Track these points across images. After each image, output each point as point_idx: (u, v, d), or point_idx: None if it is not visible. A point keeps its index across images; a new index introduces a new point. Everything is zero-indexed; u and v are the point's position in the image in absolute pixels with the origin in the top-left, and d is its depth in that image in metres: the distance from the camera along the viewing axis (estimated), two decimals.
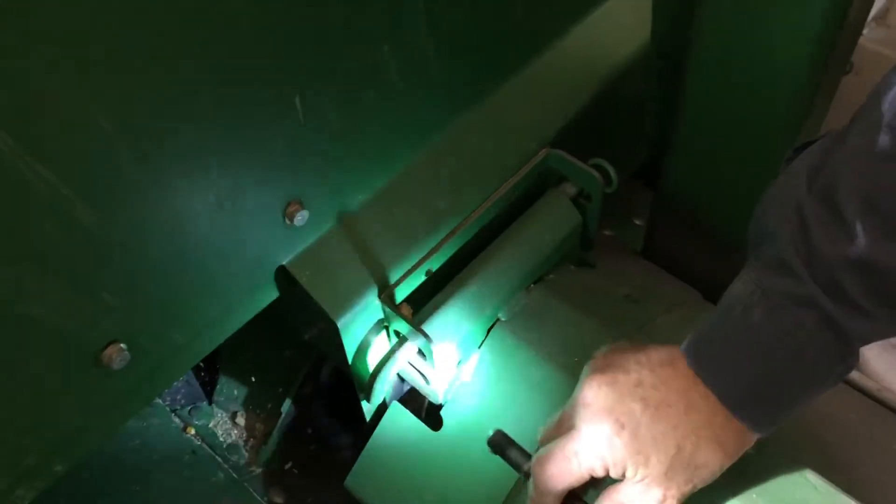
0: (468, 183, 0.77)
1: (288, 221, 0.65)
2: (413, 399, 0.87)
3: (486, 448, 0.77)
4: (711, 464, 0.56)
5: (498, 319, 0.80)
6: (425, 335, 0.70)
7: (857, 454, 0.77)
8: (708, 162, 0.85)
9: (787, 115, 0.75)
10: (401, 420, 0.82)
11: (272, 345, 0.98)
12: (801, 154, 0.56)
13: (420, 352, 0.74)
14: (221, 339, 0.67)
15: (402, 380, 0.81)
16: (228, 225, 0.61)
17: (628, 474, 0.56)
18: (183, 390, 1.00)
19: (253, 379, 1.00)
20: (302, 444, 0.98)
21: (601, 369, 0.59)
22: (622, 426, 0.55)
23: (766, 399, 0.54)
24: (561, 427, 0.61)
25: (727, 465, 0.57)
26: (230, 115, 0.55)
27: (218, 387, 1.00)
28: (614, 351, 0.61)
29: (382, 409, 0.83)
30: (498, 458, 0.76)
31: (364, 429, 0.84)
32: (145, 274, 0.57)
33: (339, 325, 0.70)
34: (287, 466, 0.97)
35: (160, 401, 1.00)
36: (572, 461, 0.58)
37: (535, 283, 0.83)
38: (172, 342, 0.62)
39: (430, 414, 0.85)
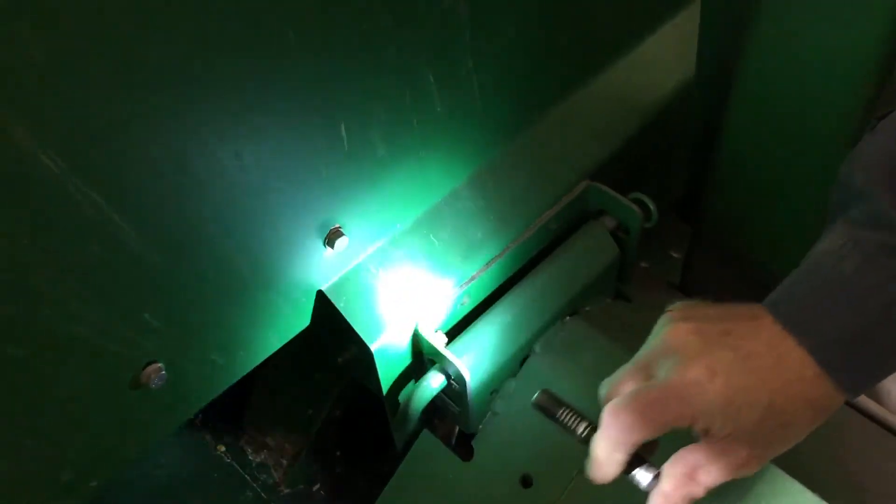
0: (507, 213, 0.77)
1: (328, 247, 0.65)
2: (444, 427, 0.87)
3: (517, 480, 0.76)
4: (799, 423, 0.53)
5: (533, 350, 0.80)
6: (459, 364, 0.70)
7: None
8: (748, 198, 0.84)
9: (830, 152, 0.74)
10: (431, 448, 0.82)
11: (304, 367, 0.98)
12: (892, 114, 0.56)
13: (453, 380, 0.73)
14: (259, 361, 0.68)
15: (434, 407, 0.81)
16: (270, 250, 0.61)
17: (714, 429, 0.52)
18: (215, 409, 1.01)
19: (284, 400, 1.00)
20: (331, 466, 0.98)
21: (683, 319, 0.55)
22: (714, 373, 0.52)
23: (857, 354, 0.51)
24: (635, 378, 0.56)
25: (813, 427, 0.54)
26: (275, 143, 0.56)
27: (249, 406, 1.01)
28: (691, 305, 0.58)
29: (413, 436, 0.83)
30: (528, 492, 0.75)
31: (394, 455, 0.84)
32: (187, 297, 0.58)
33: (374, 351, 0.70)
34: (315, 488, 0.97)
35: (192, 418, 1.00)
36: (655, 409, 0.53)
37: (570, 315, 0.83)
38: (211, 363, 0.63)
39: (461, 443, 0.84)
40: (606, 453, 0.55)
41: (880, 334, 0.50)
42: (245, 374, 0.67)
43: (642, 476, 0.57)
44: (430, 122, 0.67)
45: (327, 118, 0.58)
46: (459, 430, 0.86)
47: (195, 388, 0.64)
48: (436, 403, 0.79)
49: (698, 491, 0.54)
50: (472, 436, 0.80)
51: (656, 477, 0.56)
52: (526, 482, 0.76)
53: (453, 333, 0.75)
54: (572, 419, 0.61)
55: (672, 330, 0.55)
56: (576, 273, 0.81)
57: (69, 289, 0.50)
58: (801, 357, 0.51)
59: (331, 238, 0.65)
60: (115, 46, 0.44)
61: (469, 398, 0.74)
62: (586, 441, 0.58)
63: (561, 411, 0.61)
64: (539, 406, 0.63)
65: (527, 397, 0.78)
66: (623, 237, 0.83)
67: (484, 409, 0.79)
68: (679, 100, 0.89)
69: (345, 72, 0.57)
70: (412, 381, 0.78)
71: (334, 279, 0.69)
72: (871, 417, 0.83)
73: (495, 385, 0.78)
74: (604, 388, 0.58)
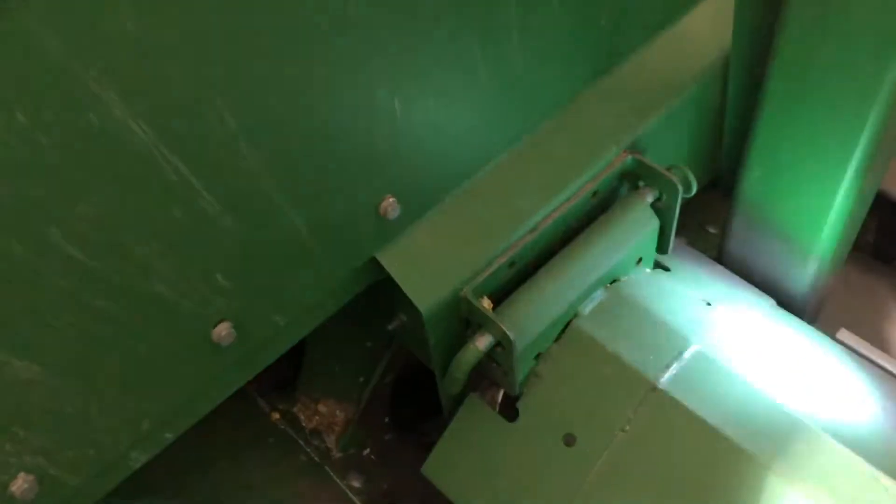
0: (550, 183, 0.81)
1: (381, 215, 0.69)
2: (489, 395, 0.90)
3: (560, 439, 0.80)
4: None
5: (576, 315, 0.83)
6: (504, 328, 0.73)
7: None
8: (784, 170, 0.86)
9: (868, 123, 0.76)
10: (477, 410, 0.85)
11: (355, 336, 1.02)
12: None
13: (499, 344, 0.77)
14: (316, 324, 0.72)
15: (480, 371, 0.84)
16: (328, 219, 0.66)
17: None
18: (269, 378, 1.06)
19: (336, 368, 1.05)
20: (380, 431, 1.03)
21: None
22: None
23: None
24: None
25: None
26: (333, 113, 0.60)
27: (302, 374, 1.06)
28: None
29: (460, 400, 0.86)
30: (571, 451, 0.79)
31: (442, 419, 0.88)
32: (255, 260, 0.62)
33: (425, 314, 0.74)
34: (365, 452, 1.02)
35: (248, 384, 1.05)
36: None
37: (611, 282, 0.86)
38: (273, 324, 0.67)
39: (506, 405, 0.88)
40: None
41: None
42: (303, 336, 0.72)
43: None
44: (476, 94, 0.71)
45: (383, 91, 0.62)
46: (504, 394, 0.90)
47: (260, 347, 0.68)
48: (482, 367, 0.83)
49: None
50: (516, 399, 0.84)
51: None
52: (569, 441, 0.79)
53: (499, 299, 0.79)
54: None
55: None
56: (617, 243, 0.84)
57: (153, 248, 0.55)
58: None
59: (384, 206, 0.69)
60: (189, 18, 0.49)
61: (514, 360, 0.77)
62: None
63: None
64: None
65: (569, 360, 0.82)
66: (662, 208, 0.86)
67: (527, 371, 0.82)
68: (715, 75, 0.92)
69: (396, 46, 0.61)
70: (460, 346, 0.81)
71: (387, 246, 0.73)
72: None
73: (539, 348, 0.82)
74: None
